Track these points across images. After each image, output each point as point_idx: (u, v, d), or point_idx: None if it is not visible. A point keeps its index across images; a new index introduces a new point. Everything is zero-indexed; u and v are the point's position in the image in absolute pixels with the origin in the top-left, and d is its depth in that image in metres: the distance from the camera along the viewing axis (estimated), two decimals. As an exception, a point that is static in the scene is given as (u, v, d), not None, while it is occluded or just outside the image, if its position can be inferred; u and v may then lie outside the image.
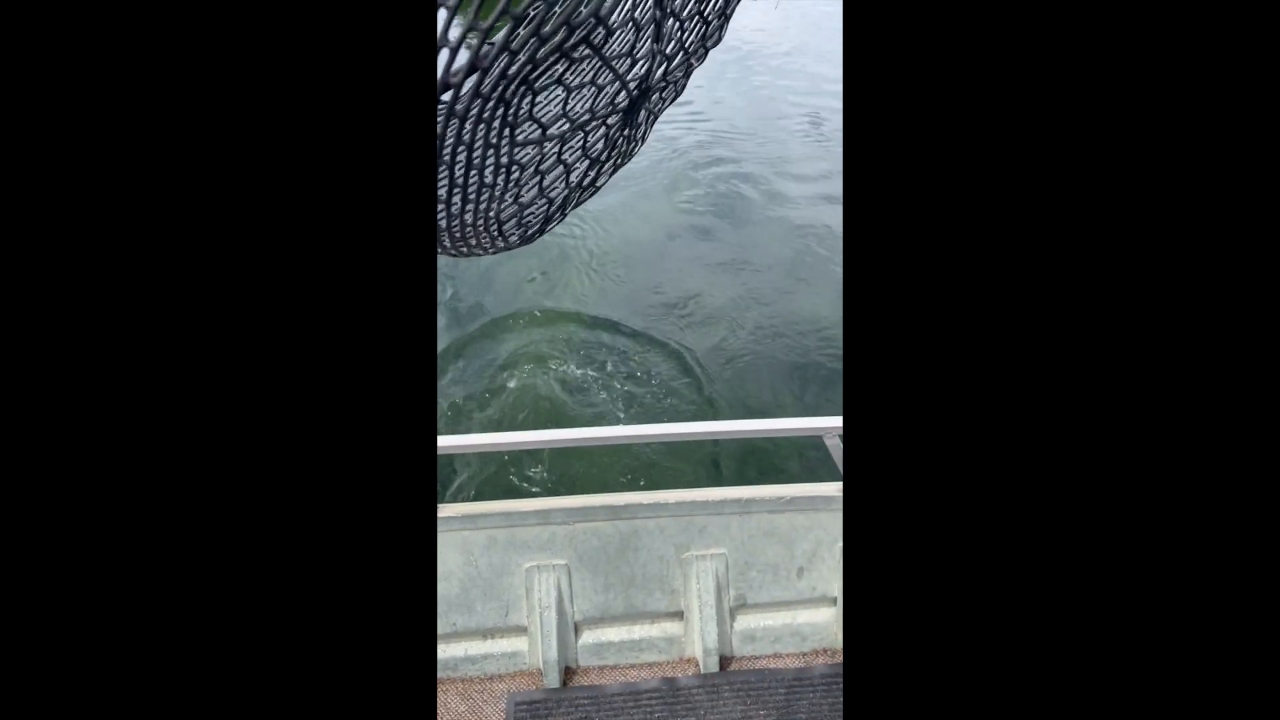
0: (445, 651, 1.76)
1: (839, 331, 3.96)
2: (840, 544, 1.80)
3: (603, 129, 0.67)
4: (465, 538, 1.74)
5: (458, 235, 0.70)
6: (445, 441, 1.61)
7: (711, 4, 0.64)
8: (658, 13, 0.59)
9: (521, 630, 1.77)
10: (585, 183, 0.74)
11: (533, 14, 0.49)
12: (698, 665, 1.77)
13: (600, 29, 0.53)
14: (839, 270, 4.32)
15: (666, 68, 0.66)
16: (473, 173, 0.59)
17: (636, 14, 0.57)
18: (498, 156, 0.60)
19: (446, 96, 0.54)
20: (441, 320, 3.80)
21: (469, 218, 0.66)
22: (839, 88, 7.42)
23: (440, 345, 3.70)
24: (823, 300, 4.03)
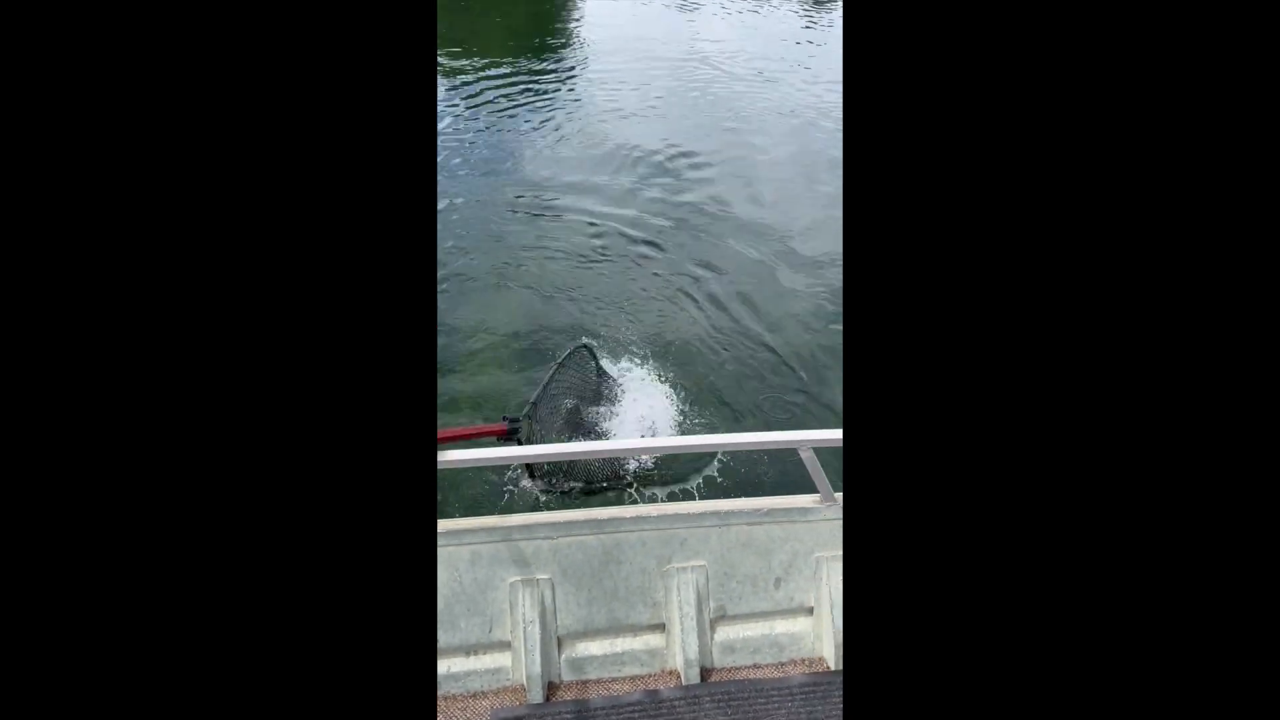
0: None
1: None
2: (816, 554, 1.86)
3: None
4: (450, 553, 1.75)
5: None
6: (445, 456, 1.61)
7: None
8: None
9: (505, 646, 1.78)
10: None
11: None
12: (679, 677, 1.80)
13: None
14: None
15: None
16: None
17: None
18: None
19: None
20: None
21: None
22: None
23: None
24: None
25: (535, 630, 1.76)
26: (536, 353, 3.69)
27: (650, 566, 1.82)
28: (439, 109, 6.50)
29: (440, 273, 4.29)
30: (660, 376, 3.53)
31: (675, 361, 3.66)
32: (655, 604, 1.83)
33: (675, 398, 3.39)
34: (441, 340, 3.74)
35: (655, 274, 4.43)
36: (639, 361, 3.65)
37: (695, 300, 4.19)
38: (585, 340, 3.36)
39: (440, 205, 5.07)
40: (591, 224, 4.92)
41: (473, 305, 4.07)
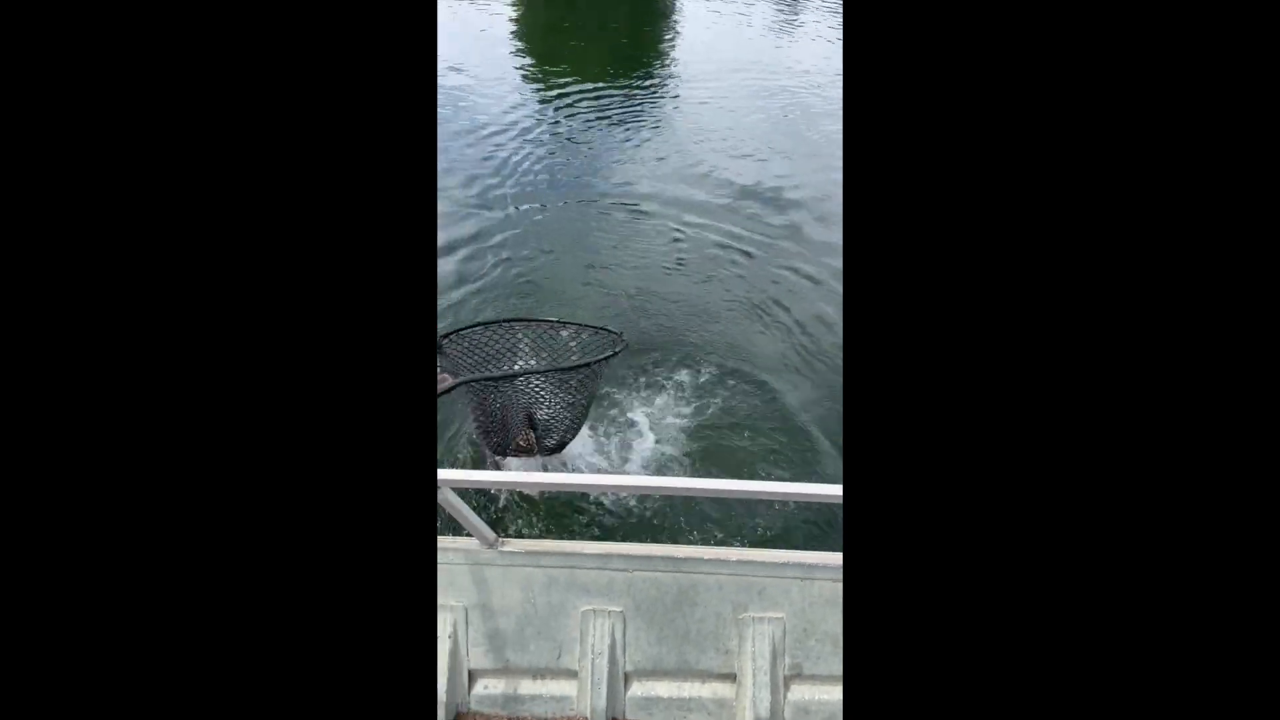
0: (495, 687, 1.76)
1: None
2: None
3: None
4: (527, 574, 1.75)
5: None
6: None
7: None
8: None
9: (572, 675, 1.76)
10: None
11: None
12: None
13: None
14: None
15: None
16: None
17: None
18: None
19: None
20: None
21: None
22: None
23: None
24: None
25: (603, 663, 1.73)
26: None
27: (725, 612, 1.76)
28: (537, 121, 6.74)
29: (526, 272, 4.39)
30: (715, 391, 3.45)
31: (737, 375, 3.58)
32: (727, 652, 1.76)
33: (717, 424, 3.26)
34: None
35: (737, 284, 4.38)
36: (699, 372, 3.58)
37: (771, 317, 4.12)
38: (618, 334, 2.50)
39: (531, 209, 5.24)
40: (677, 234, 4.93)
41: (555, 302, 4.15)
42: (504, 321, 2.46)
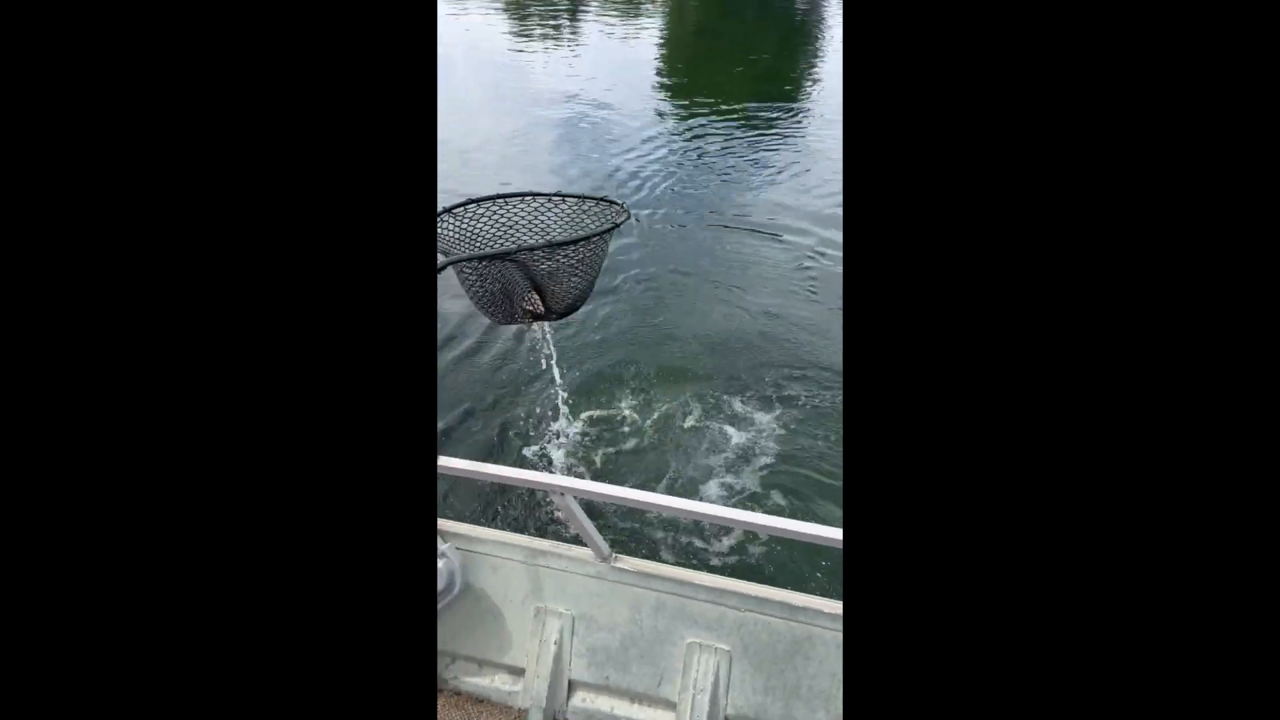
0: (593, 702, 1.74)
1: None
2: None
3: None
4: (637, 594, 1.73)
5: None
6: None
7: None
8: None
9: (670, 706, 1.70)
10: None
11: None
12: None
13: None
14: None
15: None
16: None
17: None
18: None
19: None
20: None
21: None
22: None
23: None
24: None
25: (704, 700, 1.66)
26: (717, 353, 3.74)
27: (840, 673, 1.63)
28: (674, 143, 6.88)
29: (652, 288, 4.46)
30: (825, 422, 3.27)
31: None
32: (838, 718, 1.63)
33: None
34: (643, 333, 3.95)
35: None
36: (816, 394, 3.44)
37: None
38: (620, 204, 2.30)
39: (662, 227, 5.32)
40: (809, 261, 4.80)
41: (676, 312, 4.20)
42: (500, 196, 2.35)
